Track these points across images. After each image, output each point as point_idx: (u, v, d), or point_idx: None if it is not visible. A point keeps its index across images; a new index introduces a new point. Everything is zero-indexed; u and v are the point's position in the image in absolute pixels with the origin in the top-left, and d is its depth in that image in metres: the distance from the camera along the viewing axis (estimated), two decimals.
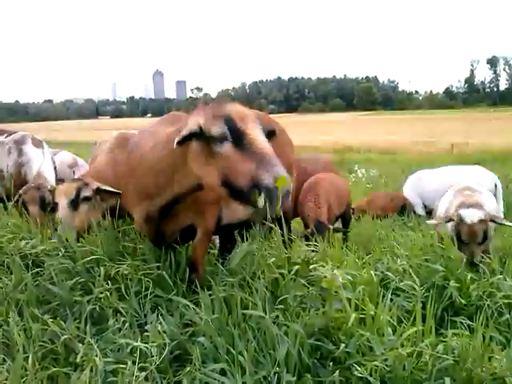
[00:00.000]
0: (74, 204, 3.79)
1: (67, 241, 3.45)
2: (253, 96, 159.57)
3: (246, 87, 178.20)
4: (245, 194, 2.16)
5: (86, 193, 3.84)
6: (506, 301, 2.72)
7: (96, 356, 2.18)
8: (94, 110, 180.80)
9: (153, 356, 2.17)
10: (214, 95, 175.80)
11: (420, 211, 7.97)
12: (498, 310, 2.69)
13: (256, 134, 2.23)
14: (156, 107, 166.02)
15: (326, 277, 2.28)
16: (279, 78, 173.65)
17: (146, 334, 2.40)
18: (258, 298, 2.38)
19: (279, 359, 2.14)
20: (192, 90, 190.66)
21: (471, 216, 3.77)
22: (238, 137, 2.22)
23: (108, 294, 2.78)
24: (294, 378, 2.04)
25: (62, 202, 3.79)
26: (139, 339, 2.29)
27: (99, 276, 2.94)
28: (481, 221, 3.73)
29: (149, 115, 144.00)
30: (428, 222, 4.60)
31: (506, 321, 2.60)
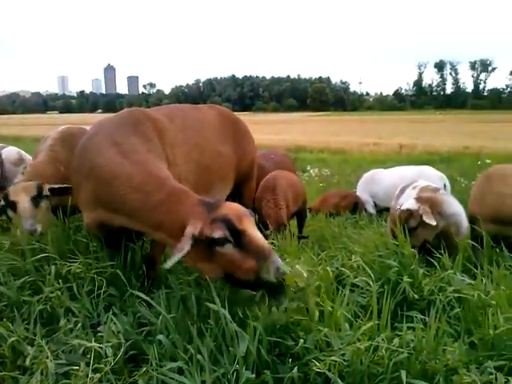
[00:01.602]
0: (36, 201, 3.63)
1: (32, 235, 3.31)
2: (207, 93, 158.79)
3: (200, 84, 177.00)
4: (254, 286, 2.36)
5: (47, 191, 3.71)
6: (456, 295, 2.81)
7: (47, 358, 2.09)
8: (42, 105, 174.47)
9: (107, 357, 2.10)
10: (167, 91, 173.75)
11: (371, 210, 8.16)
12: (449, 304, 2.78)
13: (253, 232, 2.37)
14: (107, 102, 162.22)
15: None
16: (234, 76, 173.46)
17: (99, 334, 2.32)
18: (215, 295, 2.34)
19: (238, 356, 2.12)
20: (144, 85, 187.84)
21: (407, 204, 3.92)
22: (237, 237, 2.32)
23: (59, 293, 2.67)
24: (253, 375, 2.02)
25: (23, 199, 3.62)
26: (93, 340, 2.21)
27: (49, 275, 2.82)
28: (407, 210, 3.86)
29: (99, 111, 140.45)
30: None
31: (457, 314, 2.69)
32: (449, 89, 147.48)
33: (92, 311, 2.67)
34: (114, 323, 2.38)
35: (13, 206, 3.61)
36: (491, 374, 2.02)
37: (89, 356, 2.16)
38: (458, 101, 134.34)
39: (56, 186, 3.74)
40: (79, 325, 2.45)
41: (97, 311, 2.69)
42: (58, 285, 2.77)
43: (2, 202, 3.66)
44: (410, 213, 3.86)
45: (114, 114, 3.32)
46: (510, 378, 1.93)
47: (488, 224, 4.03)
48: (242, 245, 2.32)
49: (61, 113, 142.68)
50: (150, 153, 2.79)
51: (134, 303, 2.68)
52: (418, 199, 3.98)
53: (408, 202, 3.99)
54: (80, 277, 2.88)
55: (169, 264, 2.27)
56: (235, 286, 2.44)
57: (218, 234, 2.31)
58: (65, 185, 3.69)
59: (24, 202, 3.60)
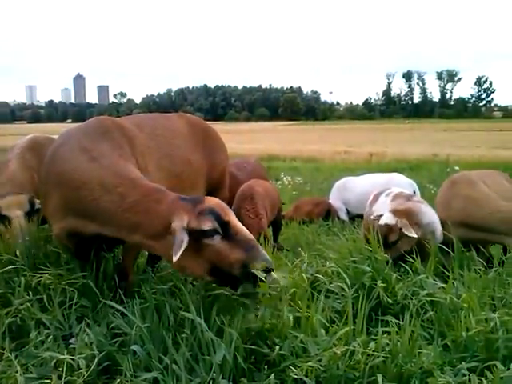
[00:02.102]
0: (29, 216, 3.57)
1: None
2: (178, 103, 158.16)
3: (172, 94, 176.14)
4: (236, 281, 2.35)
5: (38, 204, 3.61)
6: (429, 298, 2.85)
7: (16, 372, 2.03)
8: (9, 115, 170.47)
9: (80, 369, 2.04)
10: (138, 101, 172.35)
11: (343, 217, 8.23)
12: (422, 307, 2.82)
13: (237, 223, 2.40)
14: (77, 112, 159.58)
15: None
16: (205, 85, 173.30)
17: (71, 346, 2.26)
18: (191, 304, 2.32)
19: (215, 365, 2.10)
20: (115, 95, 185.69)
21: (385, 219, 3.95)
22: (225, 229, 2.35)
23: (29, 305, 2.60)
24: None
25: (17, 214, 3.55)
26: (65, 352, 2.15)
27: (19, 286, 2.74)
28: (386, 225, 3.89)
29: (69, 120, 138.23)
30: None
31: (430, 317, 2.72)
32: (416, 98, 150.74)
33: (64, 323, 2.61)
34: (87, 334, 2.33)
35: (4, 220, 3.54)
36: (465, 375, 2.05)
37: (60, 368, 2.11)
38: (425, 110, 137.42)
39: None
40: (50, 337, 2.40)
41: (68, 323, 2.62)
42: (28, 296, 2.69)
43: None
44: (389, 228, 3.90)
45: (82, 123, 3.27)
46: (483, 378, 1.96)
47: (457, 228, 4.10)
48: (230, 236, 2.34)
49: (29, 123, 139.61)
50: (120, 158, 2.75)
51: (106, 314, 2.62)
52: (395, 212, 4.01)
53: (385, 216, 4.00)
54: (51, 288, 2.81)
55: (176, 257, 2.23)
56: (220, 281, 2.40)
57: (207, 225, 2.31)
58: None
59: (19, 217, 3.55)
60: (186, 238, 2.26)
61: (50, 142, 4.22)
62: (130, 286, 2.95)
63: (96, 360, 2.13)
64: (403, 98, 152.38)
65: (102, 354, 2.22)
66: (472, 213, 4.04)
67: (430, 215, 4.09)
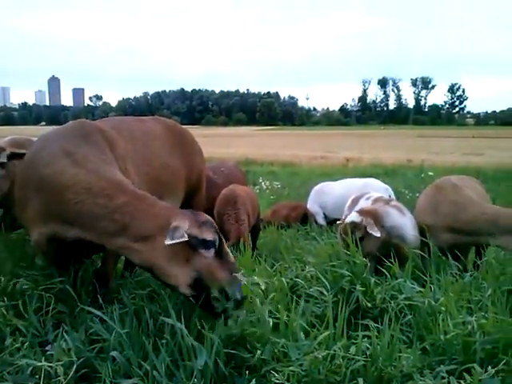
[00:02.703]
0: None
1: None
2: (155, 106, 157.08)
3: (148, 97, 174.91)
4: (209, 300, 2.34)
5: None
6: (407, 302, 2.88)
7: None
8: None
9: (58, 376, 2.00)
10: (114, 104, 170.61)
11: (321, 221, 8.28)
12: (400, 311, 2.85)
13: (226, 245, 2.44)
14: (51, 115, 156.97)
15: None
16: (182, 89, 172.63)
17: (49, 353, 2.21)
18: (170, 308, 2.30)
19: (196, 370, 2.09)
20: (90, 97, 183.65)
21: (351, 217, 4.06)
22: (220, 245, 2.38)
23: (4, 311, 2.53)
24: None
25: None
26: (42, 359, 2.11)
27: None
28: (352, 222, 3.98)
29: (43, 123, 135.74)
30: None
31: (408, 321, 2.75)
32: (392, 105, 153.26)
33: (40, 329, 2.55)
34: (65, 340, 2.28)
35: None
36: (444, 378, 2.07)
37: (38, 376, 2.06)
38: (400, 116, 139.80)
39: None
40: (26, 344, 2.34)
41: (45, 329, 2.57)
42: (3, 302, 2.62)
43: None
44: (354, 225, 3.98)
45: (60, 126, 3.22)
46: (461, 381, 1.99)
47: (444, 233, 4.16)
48: (221, 255, 2.37)
49: (2, 125, 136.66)
50: (104, 162, 2.72)
51: (85, 319, 2.58)
52: (360, 212, 4.11)
53: (352, 214, 4.11)
54: (26, 294, 2.75)
55: (170, 242, 2.23)
56: (196, 296, 2.36)
57: (210, 236, 2.33)
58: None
59: None
60: (186, 235, 2.26)
61: (30, 144, 4.14)
62: (110, 291, 2.90)
63: (74, 367, 2.09)
64: (379, 105, 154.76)
65: (81, 360, 2.18)
66: (459, 217, 4.09)
67: (395, 219, 4.15)
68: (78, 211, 2.51)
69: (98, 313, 2.47)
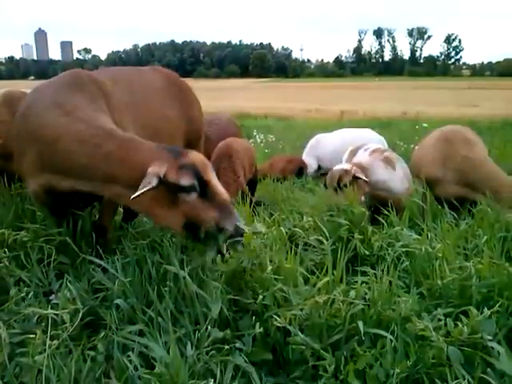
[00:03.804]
0: None
1: None
2: (145, 59, 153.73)
3: (138, 49, 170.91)
4: (208, 239, 2.35)
5: None
6: (404, 249, 2.94)
7: None
8: None
9: (64, 323, 2.04)
10: (103, 57, 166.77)
11: (311, 173, 8.32)
12: (398, 258, 2.90)
13: (216, 183, 2.40)
14: (39, 69, 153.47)
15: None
16: (173, 41, 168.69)
17: (54, 302, 2.25)
18: (173, 257, 2.33)
19: (199, 316, 2.14)
20: (79, 51, 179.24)
21: (341, 165, 4.22)
22: (203, 187, 2.34)
23: (7, 262, 2.56)
24: (221, 333, 2.03)
25: None
26: (49, 308, 2.14)
27: None
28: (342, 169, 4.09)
29: (31, 77, 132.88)
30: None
31: (406, 268, 2.81)
32: (387, 56, 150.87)
33: (43, 279, 2.58)
34: (69, 290, 2.31)
35: None
36: (440, 320, 2.13)
37: (44, 324, 2.10)
38: (395, 67, 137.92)
39: None
40: (31, 294, 2.36)
41: (48, 280, 2.60)
42: (5, 254, 2.64)
43: None
44: (344, 170, 4.05)
45: (55, 76, 3.14)
46: (458, 322, 2.04)
47: (451, 187, 4.17)
48: (207, 195, 2.34)
49: None
50: (96, 112, 2.67)
51: (87, 270, 2.61)
52: (350, 163, 4.23)
53: (342, 163, 4.27)
54: (27, 245, 2.76)
55: (134, 195, 2.20)
56: (193, 236, 2.40)
57: (186, 181, 2.29)
58: None
59: None
60: (154, 182, 2.23)
61: (23, 97, 4.07)
62: (109, 242, 2.92)
63: (80, 314, 2.12)
64: (374, 56, 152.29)
65: (85, 308, 2.21)
66: (471, 174, 4.08)
67: (379, 173, 4.18)
68: (70, 161, 2.49)
69: (101, 262, 2.49)
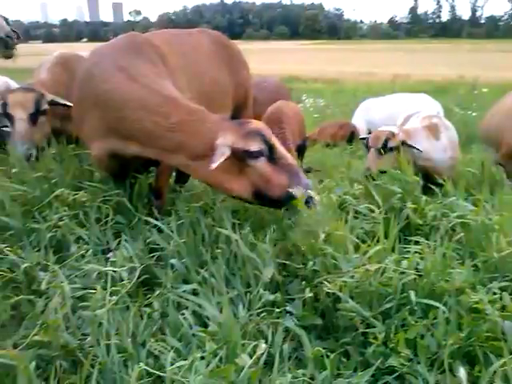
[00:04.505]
0: (34, 119, 3.47)
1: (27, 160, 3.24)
2: (195, 21, 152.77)
3: (188, 11, 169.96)
4: (280, 203, 2.42)
5: (44, 105, 3.56)
6: (459, 220, 2.85)
7: (62, 282, 2.12)
8: (24, 34, 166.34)
9: (122, 280, 2.13)
10: (153, 19, 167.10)
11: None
12: (452, 229, 2.83)
13: (281, 148, 2.44)
14: (92, 31, 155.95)
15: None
16: (222, 1, 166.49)
17: (112, 259, 2.35)
18: (226, 219, 2.38)
19: (250, 279, 2.18)
20: (130, 12, 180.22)
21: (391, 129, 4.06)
22: (270, 152, 2.38)
23: (67, 220, 2.68)
24: (272, 296, 2.08)
25: (20, 115, 3.46)
26: (108, 264, 2.24)
27: (57, 202, 2.81)
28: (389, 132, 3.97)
29: (84, 40, 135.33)
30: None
31: (460, 239, 2.73)
32: (445, 16, 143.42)
33: (101, 238, 2.70)
34: (125, 249, 2.41)
35: (9, 118, 3.51)
36: (495, 293, 2.08)
37: (103, 280, 2.21)
38: (454, 29, 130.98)
39: (60, 101, 3.60)
40: (90, 251, 2.48)
41: (106, 238, 2.71)
42: (65, 212, 2.77)
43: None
44: (392, 133, 3.94)
45: (112, 39, 3.17)
46: None
47: None
48: (274, 159, 2.37)
49: (44, 42, 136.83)
50: (159, 77, 2.69)
51: (142, 230, 2.70)
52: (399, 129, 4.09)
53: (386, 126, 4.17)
54: (86, 205, 2.88)
55: (214, 166, 2.25)
56: (263, 203, 2.47)
57: (254, 146, 2.33)
58: (67, 102, 3.56)
59: (21, 120, 3.45)
60: (227, 152, 2.27)
61: (77, 59, 4.16)
62: (164, 204, 3.00)
63: (137, 272, 2.22)
64: (431, 16, 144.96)
65: (142, 266, 2.31)
66: None
67: (420, 143, 4.02)
68: (135, 128, 2.52)
69: (157, 222, 2.57)
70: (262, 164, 2.36)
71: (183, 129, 2.42)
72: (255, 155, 2.34)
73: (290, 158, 2.44)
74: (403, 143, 3.88)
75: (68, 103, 3.54)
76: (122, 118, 2.55)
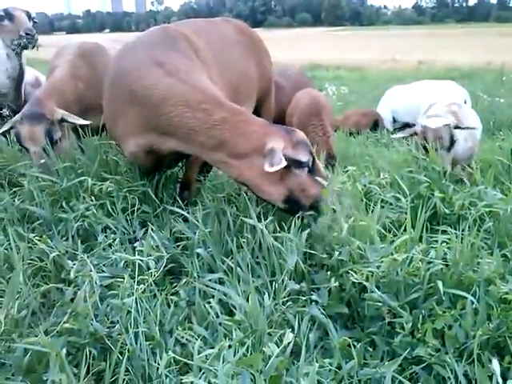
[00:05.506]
0: (48, 148, 3.42)
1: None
2: (217, 9, 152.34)
3: (210, 0, 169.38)
4: (302, 210, 2.46)
5: (57, 134, 3.53)
6: (487, 209, 2.80)
7: (90, 271, 2.16)
8: (48, 25, 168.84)
9: (149, 269, 2.16)
10: (175, 8, 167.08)
11: (388, 126, 8.02)
12: (480, 218, 2.77)
13: (318, 161, 2.54)
14: (114, 22, 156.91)
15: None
16: None
17: (138, 248, 2.38)
18: (251, 209, 2.38)
19: (275, 268, 2.18)
20: (152, 2, 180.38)
21: (435, 123, 3.87)
22: (312, 163, 2.47)
23: (94, 210, 2.72)
24: (298, 285, 2.08)
25: (34, 149, 3.42)
26: (136, 254, 2.27)
27: (83, 192, 2.86)
28: (445, 125, 3.82)
29: (107, 30, 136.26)
30: (393, 136, 4.73)
31: (488, 228, 2.68)
32: (472, 0, 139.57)
33: (128, 227, 2.73)
34: (152, 238, 2.43)
35: (25, 149, 3.51)
36: None
37: (130, 269, 2.24)
38: (481, 13, 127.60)
39: (70, 120, 3.54)
40: (117, 240, 2.51)
41: (132, 227, 2.75)
42: (92, 202, 2.80)
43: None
44: (448, 127, 3.82)
45: (143, 32, 3.14)
46: None
47: None
48: (313, 171, 2.45)
49: (68, 33, 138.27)
50: (195, 71, 2.66)
51: (168, 220, 2.73)
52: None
53: (437, 119, 3.92)
54: (112, 195, 2.91)
55: (271, 170, 2.28)
56: (289, 209, 2.50)
57: (304, 157, 2.39)
58: (81, 120, 3.54)
59: (36, 154, 3.41)
60: (284, 162, 2.29)
61: (99, 49, 4.15)
62: (191, 195, 3.02)
63: (164, 261, 2.25)
64: (457, 1, 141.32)
65: (168, 255, 2.33)
66: None
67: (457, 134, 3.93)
68: (176, 125, 2.49)
69: (183, 212, 2.59)
70: (304, 174, 2.42)
71: (227, 127, 2.42)
72: (302, 165, 2.40)
73: (324, 171, 2.56)
74: (456, 127, 3.82)
75: (81, 121, 3.52)
76: (161, 114, 2.51)
